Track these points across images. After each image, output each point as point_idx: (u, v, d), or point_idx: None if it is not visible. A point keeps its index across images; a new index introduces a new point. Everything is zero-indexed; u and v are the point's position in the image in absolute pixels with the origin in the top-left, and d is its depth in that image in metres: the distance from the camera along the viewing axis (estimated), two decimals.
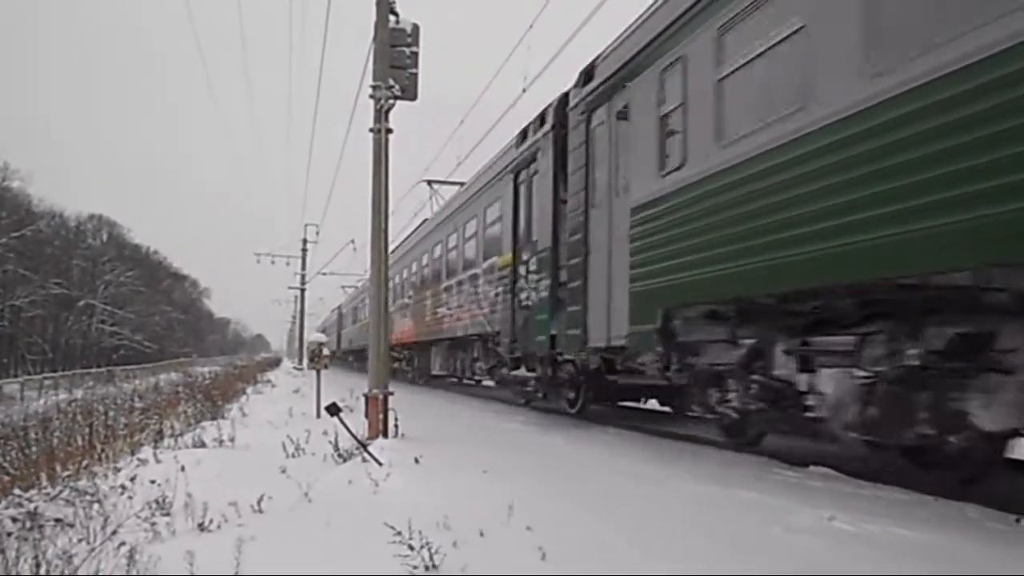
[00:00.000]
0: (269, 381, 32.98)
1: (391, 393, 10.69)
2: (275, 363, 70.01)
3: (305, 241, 53.94)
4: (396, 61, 10.87)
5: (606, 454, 8.92)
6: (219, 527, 5.55)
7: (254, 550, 4.68)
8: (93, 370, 56.05)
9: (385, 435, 10.24)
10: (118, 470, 8.18)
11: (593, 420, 13.12)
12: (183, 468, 7.99)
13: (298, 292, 59.35)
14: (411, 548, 4.30)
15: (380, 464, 7.79)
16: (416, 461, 8.04)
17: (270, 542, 5.03)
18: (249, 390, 25.77)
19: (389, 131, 10.92)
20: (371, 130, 10.92)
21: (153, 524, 5.57)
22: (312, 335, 16.17)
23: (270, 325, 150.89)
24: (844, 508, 5.58)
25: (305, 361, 41.76)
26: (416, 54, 11.02)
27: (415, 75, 11.02)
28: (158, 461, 8.93)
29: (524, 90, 15.88)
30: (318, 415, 14.36)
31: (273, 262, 57.25)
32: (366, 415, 10.64)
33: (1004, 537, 4.90)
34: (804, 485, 6.70)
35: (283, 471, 7.47)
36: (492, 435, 11.04)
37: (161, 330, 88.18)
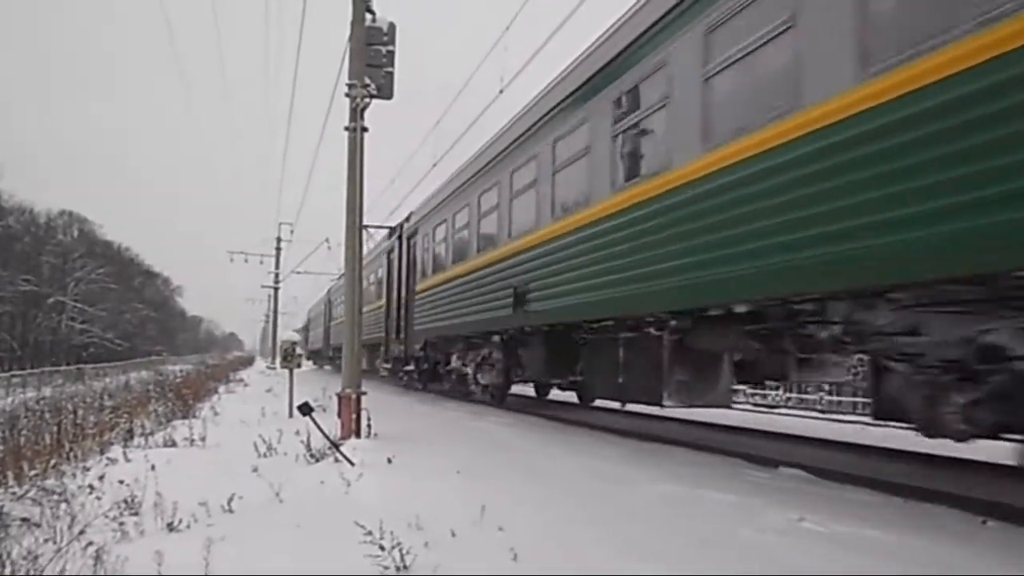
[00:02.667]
0: (242, 380, 32.79)
1: (364, 393, 10.66)
2: (248, 362, 69.58)
3: (279, 240, 53.66)
4: (372, 60, 10.84)
5: (578, 454, 8.93)
6: (188, 527, 5.52)
7: (224, 550, 4.67)
8: (63, 368, 55.29)
9: (358, 435, 10.21)
10: (87, 469, 8.09)
11: (567, 420, 13.15)
12: (153, 467, 7.95)
13: (271, 291, 58.96)
14: (382, 548, 4.29)
15: (352, 464, 7.77)
16: (389, 461, 8.02)
17: (240, 542, 5.01)
18: (221, 389, 25.63)
19: (364, 129, 10.88)
20: (346, 128, 10.87)
21: (121, 524, 5.53)
22: (285, 334, 16.10)
23: (243, 323, 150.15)
24: (814, 510, 5.64)
25: (278, 360, 41.42)
26: (392, 53, 10.99)
27: (391, 74, 10.99)
28: (128, 460, 8.87)
29: (501, 91, 15.86)
30: (290, 415, 14.30)
31: (247, 260, 57.00)
32: (339, 415, 10.60)
33: (971, 538, 4.97)
34: (774, 486, 6.75)
35: (255, 471, 7.44)
36: (464, 435, 11.01)
37: (132, 328, 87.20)
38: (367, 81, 10.71)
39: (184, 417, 15.19)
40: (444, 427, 12.27)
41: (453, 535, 4.94)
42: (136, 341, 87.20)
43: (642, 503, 6.17)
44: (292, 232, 53.65)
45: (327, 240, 48.04)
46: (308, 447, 8.80)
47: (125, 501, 6.12)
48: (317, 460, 8.53)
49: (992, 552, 4.64)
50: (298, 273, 56.44)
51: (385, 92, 10.97)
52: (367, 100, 10.77)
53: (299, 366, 15.31)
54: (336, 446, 8.53)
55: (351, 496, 6.49)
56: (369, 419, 10.45)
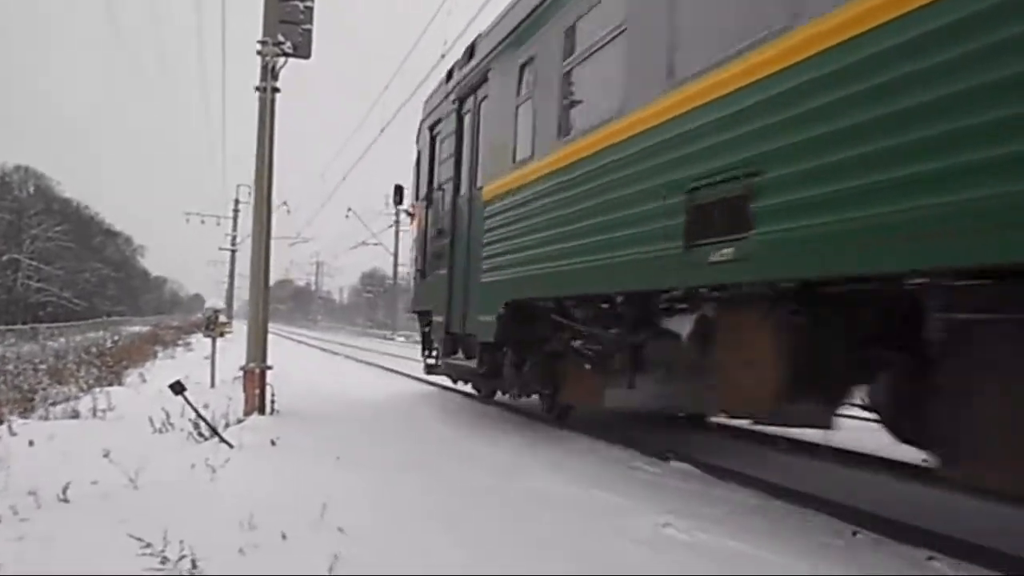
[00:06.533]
0: (189, 344, 32.16)
1: (270, 367, 10.21)
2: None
3: (237, 202, 52.71)
4: (288, 16, 10.17)
5: (482, 444, 8.53)
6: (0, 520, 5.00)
7: (25, 548, 4.25)
8: (16, 327, 54.35)
9: (262, 411, 9.77)
10: None
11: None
12: (31, 443, 7.56)
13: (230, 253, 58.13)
14: (165, 560, 3.80)
15: (231, 447, 7.36)
16: (272, 443, 7.61)
17: (50, 539, 4.50)
18: (162, 354, 25.12)
19: (276, 90, 10.23)
20: (257, 88, 10.25)
21: None
22: (209, 301, 15.64)
23: (209, 285, 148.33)
24: (685, 513, 5.27)
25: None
26: (310, 9, 10.28)
27: (309, 31, 10.28)
28: (13, 434, 8.40)
29: (443, 55, 15.40)
30: (212, 384, 13.87)
31: (203, 222, 56.15)
32: (244, 389, 10.15)
33: (834, 553, 4.63)
34: (659, 484, 6.38)
35: (106, 455, 6.76)
36: (379, 418, 10.57)
37: (91, 287, 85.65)
38: (280, 38, 10.07)
39: (111, 384, 14.76)
40: (363, 408, 11.74)
41: (284, 537, 4.49)
42: (96, 301, 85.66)
43: (516, 501, 5.81)
44: (250, 194, 52.43)
45: (285, 203, 47.13)
46: (196, 426, 8.33)
47: None
48: (206, 440, 8.09)
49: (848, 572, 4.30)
50: None
51: (302, 51, 10.30)
52: (280, 59, 10.17)
53: (222, 335, 14.80)
54: (213, 428, 8.08)
55: (213, 484, 6.04)
56: (273, 395, 10.02)
